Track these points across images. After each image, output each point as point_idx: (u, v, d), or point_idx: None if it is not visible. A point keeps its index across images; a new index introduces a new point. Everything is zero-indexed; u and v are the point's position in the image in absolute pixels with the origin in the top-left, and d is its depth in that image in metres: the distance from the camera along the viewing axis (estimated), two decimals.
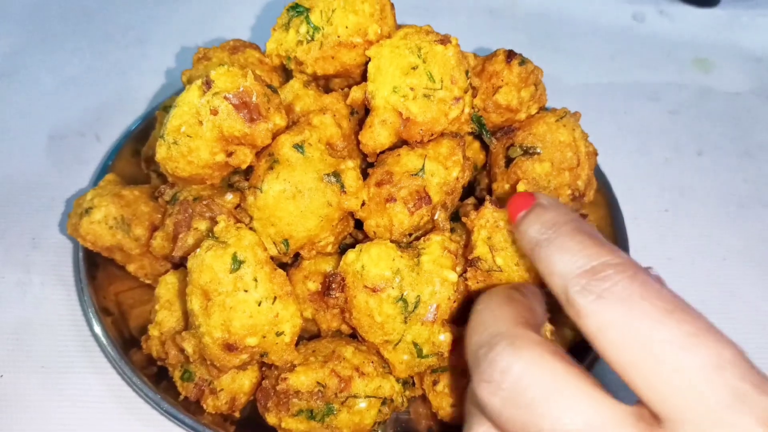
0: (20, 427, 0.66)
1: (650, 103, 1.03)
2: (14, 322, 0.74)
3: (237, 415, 0.64)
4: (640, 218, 0.87)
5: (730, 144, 0.99)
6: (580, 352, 0.64)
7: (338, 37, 0.67)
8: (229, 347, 0.56)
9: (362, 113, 0.71)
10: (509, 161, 0.70)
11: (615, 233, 0.77)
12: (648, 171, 0.94)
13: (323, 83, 0.73)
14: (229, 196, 0.66)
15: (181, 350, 0.61)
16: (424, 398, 0.66)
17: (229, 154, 0.62)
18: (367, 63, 0.68)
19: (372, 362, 0.61)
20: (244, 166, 0.63)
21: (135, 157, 0.80)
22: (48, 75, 0.99)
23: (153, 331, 0.64)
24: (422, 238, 0.62)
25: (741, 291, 0.82)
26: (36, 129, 0.92)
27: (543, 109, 0.73)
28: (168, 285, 0.65)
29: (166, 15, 1.08)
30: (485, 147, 0.76)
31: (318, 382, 0.59)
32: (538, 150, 0.69)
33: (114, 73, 0.99)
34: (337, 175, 0.63)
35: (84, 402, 0.68)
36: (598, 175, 0.82)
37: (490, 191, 0.73)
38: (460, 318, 0.59)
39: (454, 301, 0.59)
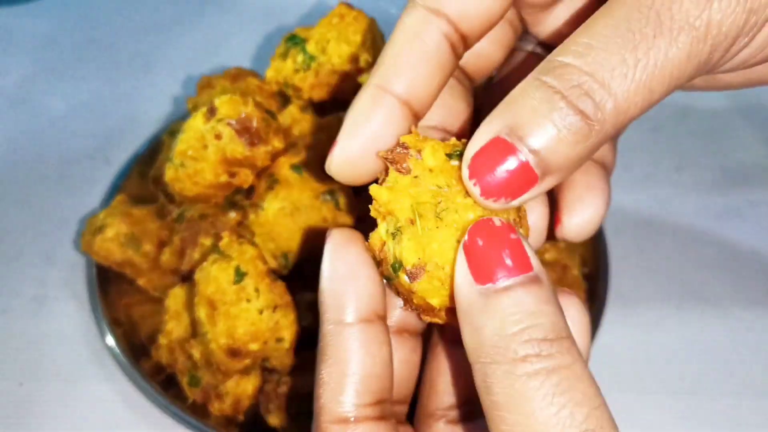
0: (39, 431, 0.71)
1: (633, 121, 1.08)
2: (31, 334, 0.78)
3: (241, 417, 0.68)
4: (621, 230, 0.91)
5: (709, 160, 1.03)
6: None
7: (332, 65, 0.72)
8: (234, 353, 0.61)
9: None
10: None
11: (596, 244, 0.82)
12: (629, 186, 0.99)
13: (319, 108, 0.78)
14: (232, 214, 0.70)
15: (189, 357, 0.66)
16: None
17: (232, 175, 0.67)
18: (358, 88, 0.73)
19: None
20: (245, 186, 0.68)
21: (143, 178, 0.85)
22: (59, 102, 1.04)
23: (162, 340, 0.69)
24: None
25: (716, 298, 0.86)
26: (48, 153, 0.97)
27: None
28: (176, 297, 0.70)
29: (171, 44, 1.13)
30: None
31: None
32: None
33: (122, 100, 1.04)
34: (332, 193, 0.68)
35: (97, 407, 0.73)
36: None
37: None
38: None
39: None
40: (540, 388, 0.32)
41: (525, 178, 0.34)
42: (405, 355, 0.44)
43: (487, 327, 0.33)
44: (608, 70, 0.33)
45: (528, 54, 0.51)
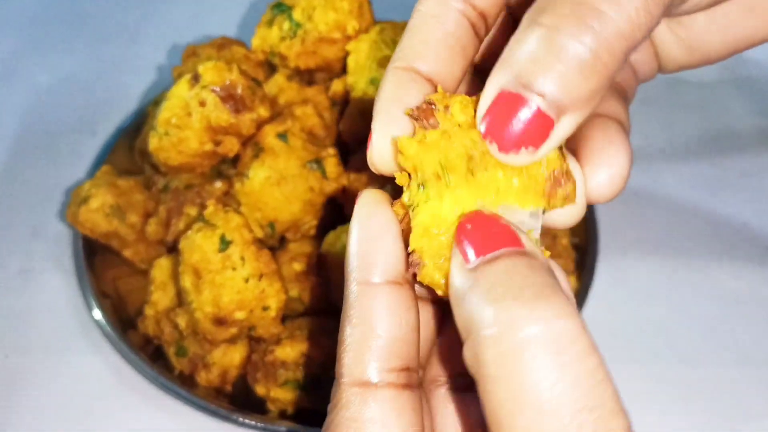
0: (26, 403, 0.70)
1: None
2: (18, 307, 0.78)
3: (228, 387, 0.68)
4: (611, 202, 0.91)
5: (699, 131, 1.03)
6: None
7: (319, 33, 0.71)
8: (219, 321, 0.60)
9: (343, 104, 0.75)
10: None
11: (586, 216, 0.82)
12: None
13: (306, 76, 0.77)
14: (218, 184, 0.70)
15: (175, 327, 0.65)
16: None
17: (217, 144, 0.66)
18: (346, 57, 0.72)
19: None
20: (231, 155, 0.67)
21: (129, 150, 0.84)
22: (44, 75, 1.03)
23: (148, 311, 0.69)
24: None
25: (706, 269, 0.86)
26: (34, 126, 0.96)
27: None
28: (162, 267, 0.69)
29: (158, 15, 1.12)
30: None
31: (303, 354, 0.64)
32: None
33: (108, 72, 1.03)
34: (318, 162, 0.67)
35: (85, 380, 0.72)
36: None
37: None
38: None
39: None
40: (536, 350, 0.30)
41: (540, 124, 0.33)
42: (425, 320, 0.41)
43: (475, 296, 0.32)
44: None
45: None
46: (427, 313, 0.42)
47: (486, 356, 0.30)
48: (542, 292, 0.31)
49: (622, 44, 0.33)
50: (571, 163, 0.38)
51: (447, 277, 0.34)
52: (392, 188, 0.39)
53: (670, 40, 0.47)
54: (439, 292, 0.35)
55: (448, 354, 0.43)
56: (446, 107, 0.35)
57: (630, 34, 0.33)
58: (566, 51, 0.32)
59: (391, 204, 0.37)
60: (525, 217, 0.34)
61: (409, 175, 0.36)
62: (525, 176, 0.34)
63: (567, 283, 0.39)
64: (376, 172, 0.38)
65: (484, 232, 0.33)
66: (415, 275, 0.35)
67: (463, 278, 0.33)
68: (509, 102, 0.33)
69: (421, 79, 0.38)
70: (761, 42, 0.44)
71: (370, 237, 0.37)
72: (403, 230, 0.36)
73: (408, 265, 0.36)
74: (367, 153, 0.38)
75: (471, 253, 0.33)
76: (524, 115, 0.33)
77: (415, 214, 0.34)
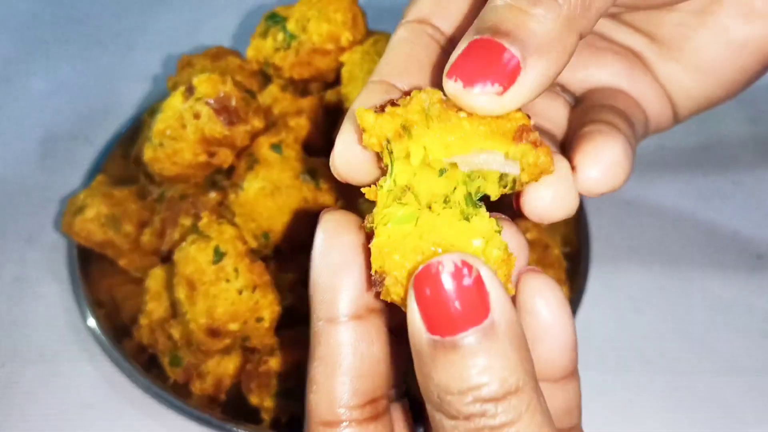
0: (20, 411, 0.71)
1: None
2: (12, 315, 0.78)
3: (223, 397, 0.68)
4: (602, 209, 0.91)
5: (691, 139, 1.03)
6: None
7: (313, 44, 0.72)
8: (213, 332, 0.61)
9: (337, 115, 0.76)
10: None
11: (578, 224, 0.82)
12: None
13: (300, 87, 0.77)
14: (212, 194, 0.70)
15: (170, 337, 0.66)
16: None
17: (211, 155, 0.66)
18: (340, 68, 0.73)
19: None
20: (225, 166, 0.68)
21: (124, 158, 0.84)
22: (40, 81, 1.03)
23: (143, 321, 0.69)
24: None
25: (698, 278, 0.86)
26: (29, 133, 0.96)
27: None
28: (156, 277, 0.69)
29: (152, 24, 1.12)
30: None
31: (297, 364, 0.64)
32: None
33: (103, 79, 1.03)
34: (312, 173, 0.68)
35: (79, 389, 0.73)
36: None
37: None
38: None
39: None
40: None
41: (507, 62, 0.33)
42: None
43: (434, 379, 0.32)
44: None
45: None
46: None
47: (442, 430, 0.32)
48: (500, 388, 0.31)
49: None
50: (556, 156, 0.38)
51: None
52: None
53: (676, 70, 0.47)
54: (404, 308, 0.34)
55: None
56: (409, 97, 0.35)
57: None
58: (528, 3, 0.33)
59: (362, 223, 0.37)
60: (501, 158, 0.34)
61: (376, 184, 0.35)
62: (492, 125, 0.34)
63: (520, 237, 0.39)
64: (339, 179, 0.38)
65: (440, 301, 0.32)
66: (378, 293, 0.35)
67: (422, 344, 0.32)
68: (477, 47, 0.33)
69: (395, 91, 0.39)
70: None
71: (331, 270, 0.36)
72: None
73: (371, 284, 0.35)
74: (330, 160, 0.38)
75: (431, 322, 0.32)
76: (490, 52, 0.33)
77: (377, 234, 0.34)
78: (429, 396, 0.33)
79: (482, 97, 0.33)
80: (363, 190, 0.36)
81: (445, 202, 0.34)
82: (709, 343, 0.81)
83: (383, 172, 0.36)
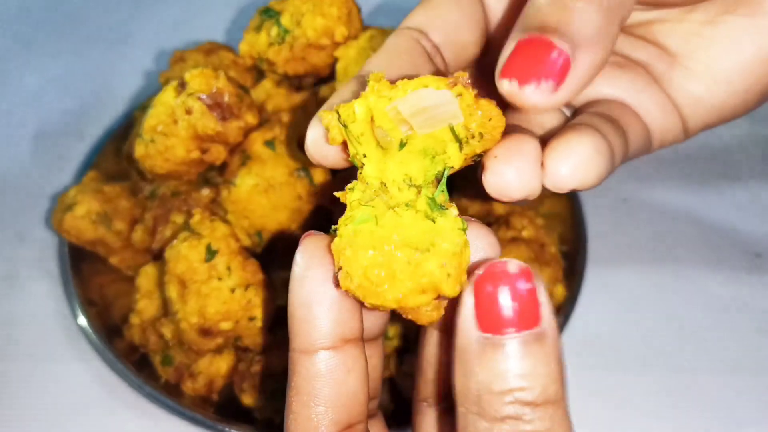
0: (10, 410, 0.70)
1: None
2: (2, 313, 0.77)
3: (215, 397, 0.67)
4: (600, 207, 0.91)
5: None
6: None
7: (307, 39, 0.71)
8: (205, 332, 0.60)
9: None
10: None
11: (575, 222, 0.81)
12: None
13: (294, 82, 0.77)
14: (205, 191, 0.69)
15: (161, 336, 0.65)
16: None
17: (204, 152, 0.65)
18: (335, 63, 0.72)
19: None
20: (218, 163, 0.67)
21: (116, 155, 0.83)
22: (31, 77, 1.02)
23: (134, 320, 0.68)
24: None
25: (694, 276, 0.86)
26: (21, 129, 0.95)
27: None
28: (148, 275, 0.68)
29: (145, 18, 1.11)
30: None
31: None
32: None
33: (95, 75, 1.02)
34: (306, 169, 0.67)
35: (70, 388, 0.72)
36: None
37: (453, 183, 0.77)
38: None
39: None
40: None
41: (557, 59, 0.34)
42: (376, 353, 0.44)
43: (478, 377, 0.33)
44: None
45: None
46: (370, 357, 0.43)
47: None
48: (541, 394, 0.33)
49: None
50: (524, 137, 0.39)
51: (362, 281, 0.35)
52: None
53: (687, 81, 0.46)
54: (363, 301, 0.36)
55: (440, 378, 0.44)
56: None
57: None
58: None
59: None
60: (433, 91, 0.35)
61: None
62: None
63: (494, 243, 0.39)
64: (318, 161, 0.40)
65: (500, 300, 0.33)
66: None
67: (470, 341, 0.34)
68: (527, 45, 0.35)
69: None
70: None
71: (306, 302, 0.37)
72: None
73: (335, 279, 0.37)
74: (306, 145, 0.39)
75: (485, 320, 0.33)
76: (540, 50, 0.34)
77: (339, 235, 0.36)
78: (467, 395, 0.34)
79: (537, 95, 0.34)
80: (336, 194, 0.37)
81: (407, 206, 0.35)
82: (707, 342, 0.80)
83: (349, 163, 0.38)
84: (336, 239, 0.36)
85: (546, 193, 0.72)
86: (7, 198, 0.87)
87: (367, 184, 0.37)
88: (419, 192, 0.36)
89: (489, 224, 0.77)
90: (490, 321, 0.33)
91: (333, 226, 0.37)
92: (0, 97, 0.99)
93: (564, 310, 0.73)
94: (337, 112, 0.36)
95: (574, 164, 0.39)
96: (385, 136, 0.36)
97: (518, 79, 0.34)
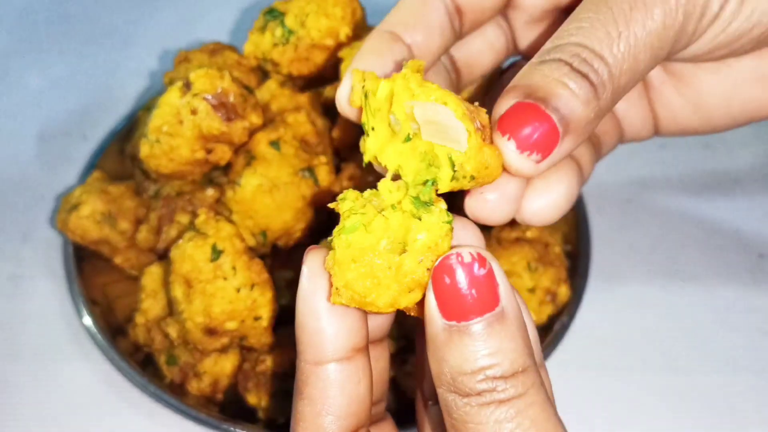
0: (15, 409, 0.70)
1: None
2: (7, 313, 0.77)
3: (219, 396, 0.67)
4: (603, 208, 0.91)
5: (691, 138, 1.02)
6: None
7: (311, 39, 0.71)
8: (210, 331, 0.60)
9: (335, 111, 0.75)
10: None
11: (579, 222, 0.82)
12: (612, 163, 0.97)
13: (298, 83, 0.77)
14: (210, 191, 0.69)
15: (166, 336, 0.65)
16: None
17: (209, 152, 0.65)
18: (339, 63, 0.72)
19: None
20: (223, 163, 0.67)
21: (120, 155, 0.84)
22: (35, 77, 1.02)
23: (139, 319, 0.68)
24: None
25: (699, 276, 0.86)
26: (24, 130, 0.95)
27: None
28: (153, 275, 0.69)
29: (149, 19, 1.11)
30: None
31: (294, 363, 0.63)
32: None
33: (99, 75, 1.03)
34: (310, 170, 0.67)
35: (74, 387, 0.72)
36: None
37: None
38: None
39: None
40: (491, 415, 0.35)
41: (549, 133, 0.37)
42: (372, 363, 0.44)
43: (449, 362, 0.35)
44: (598, 43, 0.38)
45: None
46: (373, 358, 0.44)
47: (453, 411, 0.36)
48: (510, 367, 0.35)
49: (614, 84, 0.39)
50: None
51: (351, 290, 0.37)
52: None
53: (675, 98, 0.52)
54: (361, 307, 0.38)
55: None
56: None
57: (618, 77, 0.39)
58: (572, 80, 0.38)
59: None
60: (452, 116, 0.37)
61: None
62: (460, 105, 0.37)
63: (478, 238, 0.42)
64: (342, 112, 0.42)
65: (457, 289, 0.36)
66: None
67: (437, 329, 0.36)
68: (524, 109, 0.37)
69: (400, 42, 0.44)
70: (763, 118, 0.52)
71: (316, 314, 0.38)
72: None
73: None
74: (336, 94, 0.42)
75: (447, 309, 0.36)
76: (537, 120, 0.37)
77: (335, 246, 0.37)
78: (442, 378, 0.36)
79: (526, 162, 0.38)
80: (330, 205, 0.39)
81: (394, 207, 0.37)
82: (710, 343, 0.80)
83: (362, 129, 0.40)
84: (330, 253, 0.37)
85: None
86: (11, 198, 0.87)
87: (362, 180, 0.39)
88: (407, 191, 0.38)
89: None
90: (451, 309, 0.35)
91: (328, 238, 0.38)
92: (4, 97, 0.99)
93: (568, 310, 0.73)
94: (363, 81, 0.38)
95: (550, 204, 0.46)
96: (396, 124, 0.38)
97: (517, 145, 0.37)
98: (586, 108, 0.38)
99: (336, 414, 0.39)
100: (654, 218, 0.92)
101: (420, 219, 0.37)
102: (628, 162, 0.99)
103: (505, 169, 0.39)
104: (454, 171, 0.37)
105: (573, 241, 0.80)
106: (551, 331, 0.71)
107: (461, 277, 0.35)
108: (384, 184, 0.38)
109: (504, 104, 0.38)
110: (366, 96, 0.38)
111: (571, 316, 0.73)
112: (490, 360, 0.35)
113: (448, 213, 0.37)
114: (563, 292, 0.73)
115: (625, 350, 0.78)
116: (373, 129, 0.38)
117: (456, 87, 0.52)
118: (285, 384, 0.64)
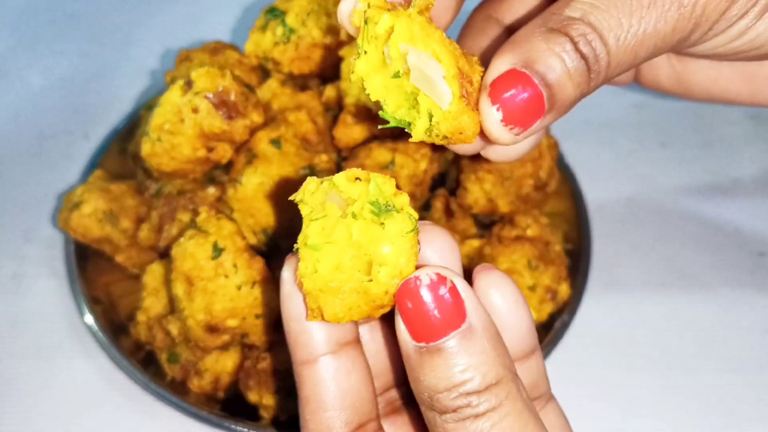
0: (17, 407, 0.70)
1: (616, 97, 1.08)
2: (9, 311, 0.77)
3: (221, 394, 0.68)
4: (604, 207, 0.91)
5: (693, 136, 1.03)
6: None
7: (312, 38, 0.71)
8: (211, 329, 0.60)
9: (336, 110, 0.75)
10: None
11: (579, 222, 0.82)
12: (612, 162, 0.98)
13: (299, 82, 0.77)
14: (211, 190, 0.70)
15: (167, 333, 0.65)
16: None
17: (210, 150, 0.66)
18: (340, 62, 0.72)
19: None
20: (224, 161, 0.67)
21: (122, 154, 0.84)
22: (37, 77, 1.02)
23: (140, 317, 0.68)
24: None
25: (699, 275, 0.86)
26: (26, 128, 0.95)
27: None
28: (154, 273, 0.69)
29: (150, 18, 1.11)
30: None
31: None
32: None
33: (101, 74, 1.03)
34: (311, 168, 0.67)
35: (76, 385, 0.72)
36: (564, 166, 0.86)
37: (458, 182, 0.77)
38: None
39: None
40: (468, 429, 0.36)
41: (536, 107, 0.38)
42: (372, 348, 0.45)
43: (424, 382, 0.36)
44: (607, 29, 0.38)
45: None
46: (379, 339, 0.46)
47: (435, 426, 0.37)
48: (482, 381, 0.36)
49: (607, 72, 0.40)
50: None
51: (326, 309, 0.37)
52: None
53: (664, 66, 0.54)
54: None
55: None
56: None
57: (614, 67, 0.40)
58: (572, 59, 0.38)
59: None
60: (440, 75, 0.37)
61: None
62: (457, 55, 0.38)
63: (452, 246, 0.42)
64: (340, 23, 0.41)
65: (421, 312, 0.36)
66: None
67: (409, 351, 0.37)
68: (517, 78, 0.38)
69: None
70: (737, 104, 0.53)
71: (297, 317, 0.40)
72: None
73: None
74: (340, 4, 0.41)
75: (415, 331, 0.37)
76: (526, 93, 0.38)
77: (301, 258, 0.38)
78: (421, 397, 0.37)
79: (506, 133, 0.38)
80: (291, 198, 0.40)
81: (354, 216, 0.37)
82: (711, 341, 0.80)
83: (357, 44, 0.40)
84: (300, 265, 0.38)
85: (550, 193, 0.73)
86: (13, 197, 0.88)
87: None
88: (366, 186, 0.38)
89: (493, 222, 0.78)
90: (419, 331, 0.36)
91: (294, 245, 0.39)
92: (6, 96, 0.99)
93: (569, 308, 0.73)
94: (368, 6, 0.38)
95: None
96: (388, 59, 0.38)
97: (504, 113, 0.38)
98: (575, 90, 0.39)
99: (333, 408, 0.40)
100: (654, 216, 0.92)
101: (383, 224, 0.37)
102: (629, 160, 0.99)
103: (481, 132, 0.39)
104: (431, 124, 0.38)
105: (573, 240, 0.80)
106: (552, 329, 0.71)
107: (423, 300, 0.36)
108: (340, 178, 0.38)
109: (500, 66, 0.38)
110: (366, 22, 0.38)
111: (572, 314, 0.73)
112: (462, 376, 0.36)
113: (411, 216, 0.37)
114: (564, 290, 0.73)
115: (626, 348, 0.78)
116: (365, 53, 0.38)
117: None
118: (286, 382, 0.64)
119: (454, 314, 0.36)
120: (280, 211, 0.66)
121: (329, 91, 0.73)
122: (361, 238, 0.36)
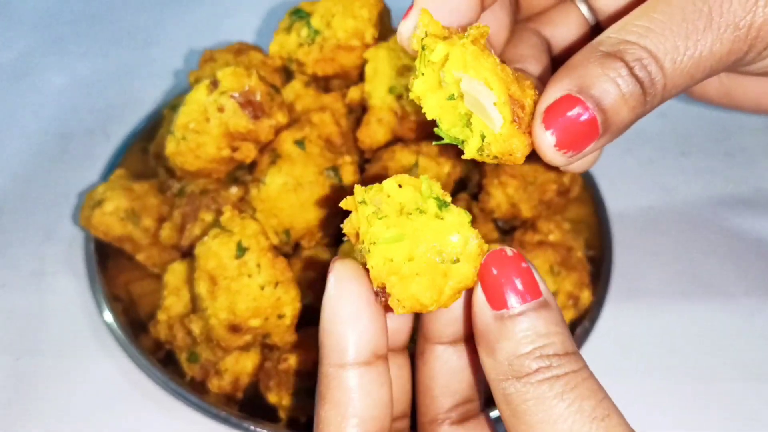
0: (37, 405, 0.70)
1: None
2: (29, 309, 0.77)
3: (240, 395, 0.67)
4: (624, 215, 0.90)
5: (714, 146, 1.02)
6: None
7: (337, 40, 0.71)
8: (234, 328, 0.60)
9: (359, 112, 0.75)
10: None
11: (601, 228, 0.81)
12: (633, 170, 0.98)
13: (323, 83, 0.77)
14: (234, 189, 0.69)
15: (188, 333, 0.65)
16: None
17: (234, 150, 0.66)
18: (364, 65, 0.72)
19: None
20: (248, 161, 0.67)
21: (143, 154, 0.84)
22: (59, 76, 1.03)
23: (161, 316, 0.68)
24: None
25: (720, 284, 0.85)
26: (48, 128, 0.96)
27: None
28: (176, 272, 0.69)
29: (173, 19, 1.12)
30: None
31: (316, 362, 0.63)
32: None
33: (122, 74, 1.03)
34: (335, 169, 0.67)
35: (95, 383, 0.72)
36: (586, 174, 0.86)
37: (481, 186, 0.77)
38: None
39: None
40: (551, 389, 0.36)
41: (590, 131, 0.39)
42: (394, 372, 0.45)
43: (504, 348, 0.37)
44: (663, 53, 0.39)
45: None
46: (396, 365, 0.46)
47: (513, 397, 0.37)
48: (561, 347, 0.37)
49: (663, 96, 0.40)
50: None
51: (411, 299, 0.39)
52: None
53: (713, 81, 0.55)
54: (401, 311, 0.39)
55: (439, 392, 0.46)
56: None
57: (670, 90, 0.40)
58: (627, 83, 0.39)
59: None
60: (491, 101, 0.39)
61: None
62: (510, 80, 0.39)
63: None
64: (400, 43, 0.44)
65: (506, 278, 0.38)
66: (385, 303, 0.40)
67: (487, 321, 0.38)
68: (572, 104, 0.39)
69: None
70: None
71: (342, 319, 0.40)
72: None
73: (377, 296, 0.40)
74: (399, 26, 0.43)
75: (496, 299, 0.38)
76: (581, 117, 0.39)
77: (370, 254, 0.39)
78: (499, 368, 0.38)
79: (560, 157, 0.40)
80: (341, 204, 0.41)
81: (420, 212, 0.39)
82: (732, 349, 0.79)
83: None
84: (370, 260, 0.39)
85: (572, 198, 0.73)
86: (34, 195, 0.88)
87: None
88: (420, 192, 0.40)
89: (515, 228, 0.77)
90: (499, 299, 0.38)
91: (357, 246, 0.40)
92: (29, 96, 1.00)
93: (590, 315, 0.73)
94: (425, 34, 0.40)
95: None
96: (444, 82, 0.40)
97: (557, 139, 0.39)
98: (630, 113, 0.39)
99: (360, 416, 0.40)
100: (676, 224, 0.92)
101: (443, 219, 0.39)
102: (650, 168, 0.98)
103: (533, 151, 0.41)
104: (482, 144, 0.40)
105: (595, 246, 0.79)
106: (573, 335, 0.71)
107: (508, 268, 0.38)
108: (389, 183, 0.40)
109: (555, 92, 0.39)
110: (423, 48, 0.40)
111: (593, 321, 0.73)
112: (543, 340, 0.37)
113: (466, 212, 0.39)
114: (585, 296, 0.73)
115: (647, 355, 0.78)
116: (423, 74, 0.41)
117: (514, 17, 0.52)
118: (307, 383, 0.64)
119: (533, 286, 0.38)
120: (303, 212, 0.66)
121: (353, 93, 0.73)
122: (428, 231, 0.38)
